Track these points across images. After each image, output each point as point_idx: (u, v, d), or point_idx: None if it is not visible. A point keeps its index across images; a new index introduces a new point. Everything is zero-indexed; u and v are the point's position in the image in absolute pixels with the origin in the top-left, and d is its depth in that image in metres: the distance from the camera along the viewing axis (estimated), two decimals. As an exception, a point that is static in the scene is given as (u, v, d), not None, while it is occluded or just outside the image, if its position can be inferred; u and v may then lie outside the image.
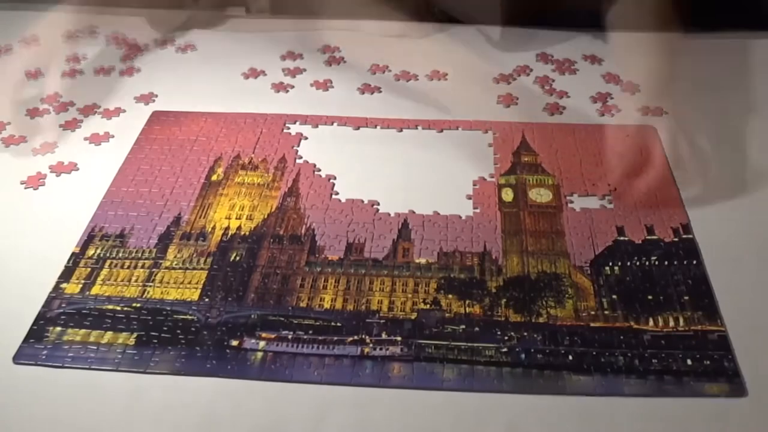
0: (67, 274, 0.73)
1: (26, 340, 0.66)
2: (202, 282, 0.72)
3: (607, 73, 1.01)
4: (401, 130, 0.92)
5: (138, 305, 0.70)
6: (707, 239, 0.75)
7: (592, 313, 0.69)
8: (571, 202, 0.80)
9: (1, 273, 0.73)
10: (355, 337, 0.66)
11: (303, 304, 0.70)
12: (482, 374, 0.63)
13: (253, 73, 1.03)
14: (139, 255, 0.75)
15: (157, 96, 0.98)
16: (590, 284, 0.72)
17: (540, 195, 0.82)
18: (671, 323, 0.67)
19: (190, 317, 0.69)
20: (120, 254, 0.75)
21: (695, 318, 0.68)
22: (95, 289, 0.72)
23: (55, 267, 0.73)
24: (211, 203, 0.82)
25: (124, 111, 0.96)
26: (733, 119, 0.92)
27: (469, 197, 0.81)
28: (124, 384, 0.63)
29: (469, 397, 0.62)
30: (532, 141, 0.89)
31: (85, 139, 0.90)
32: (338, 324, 0.68)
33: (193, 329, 0.67)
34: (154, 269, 0.74)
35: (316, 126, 0.93)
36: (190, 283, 0.72)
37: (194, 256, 0.75)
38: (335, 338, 0.67)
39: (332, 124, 0.93)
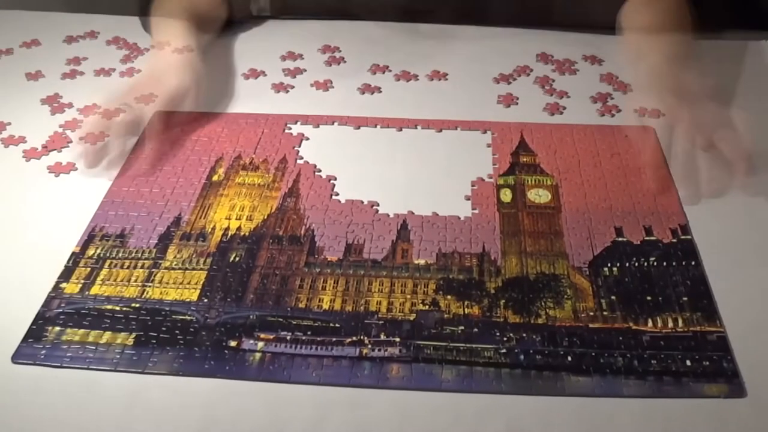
0: (66, 274, 0.73)
1: (25, 339, 0.66)
2: (202, 282, 0.72)
3: (607, 74, 1.01)
4: (401, 130, 0.92)
5: (137, 305, 0.70)
6: (706, 240, 0.75)
7: (591, 313, 0.69)
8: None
9: (0, 272, 0.73)
10: (354, 338, 0.66)
11: (302, 305, 0.70)
12: (481, 375, 0.63)
13: (253, 74, 1.03)
14: (139, 255, 0.75)
15: (157, 96, 0.98)
16: (589, 285, 0.71)
17: (539, 196, 0.82)
18: (670, 324, 0.67)
19: (188, 318, 0.69)
20: (120, 254, 0.75)
21: (694, 319, 0.68)
22: (95, 289, 0.72)
23: (54, 267, 0.74)
24: (211, 203, 0.82)
25: (124, 111, 0.95)
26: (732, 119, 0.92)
27: (467, 198, 0.81)
28: (123, 384, 0.63)
29: (467, 398, 0.62)
30: (530, 141, 0.89)
31: (85, 139, 0.90)
32: (337, 325, 0.68)
33: (191, 330, 0.67)
34: (153, 269, 0.74)
35: (317, 126, 0.93)
36: (189, 283, 0.73)
37: (194, 256, 0.76)
38: (334, 339, 0.67)
39: (332, 123, 0.93)
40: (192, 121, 0.93)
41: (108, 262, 0.75)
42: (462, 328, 0.67)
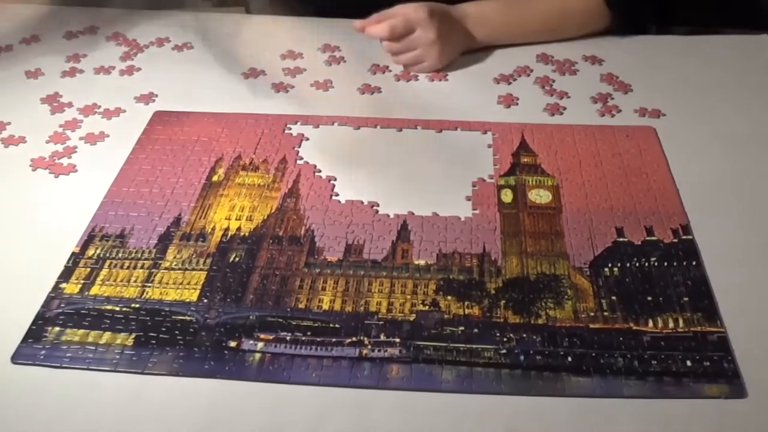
0: (66, 274, 0.73)
1: (25, 339, 0.66)
2: (201, 283, 0.72)
3: (607, 74, 1.01)
4: (401, 130, 0.92)
5: (137, 306, 0.70)
6: (707, 240, 0.75)
7: (592, 314, 0.69)
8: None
9: (0, 273, 0.73)
10: (354, 339, 0.66)
11: (302, 306, 0.70)
12: (481, 376, 0.63)
13: (253, 73, 1.03)
14: (139, 255, 0.75)
15: (157, 96, 0.98)
16: (589, 285, 0.71)
17: (539, 196, 0.81)
18: (671, 324, 0.67)
19: (188, 318, 0.69)
20: (120, 254, 0.75)
21: (695, 319, 0.67)
22: (94, 290, 0.72)
23: (54, 267, 0.73)
24: (211, 204, 0.82)
25: (124, 111, 0.96)
26: (732, 119, 0.92)
27: (468, 198, 0.81)
28: (122, 384, 0.63)
29: (468, 399, 0.62)
30: (531, 142, 0.89)
31: (85, 139, 0.90)
32: (337, 325, 0.68)
33: (191, 330, 0.67)
34: (153, 270, 0.74)
35: (317, 126, 0.93)
36: (189, 283, 0.72)
37: (194, 256, 0.75)
38: (334, 340, 0.66)
39: (332, 124, 0.93)
40: (192, 121, 0.93)
41: (108, 262, 0.74)
42: (462, 328, 0.67)
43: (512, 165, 0.86)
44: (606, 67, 1.03)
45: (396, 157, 0.88)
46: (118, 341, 0.66)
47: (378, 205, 0.80)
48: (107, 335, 0.67)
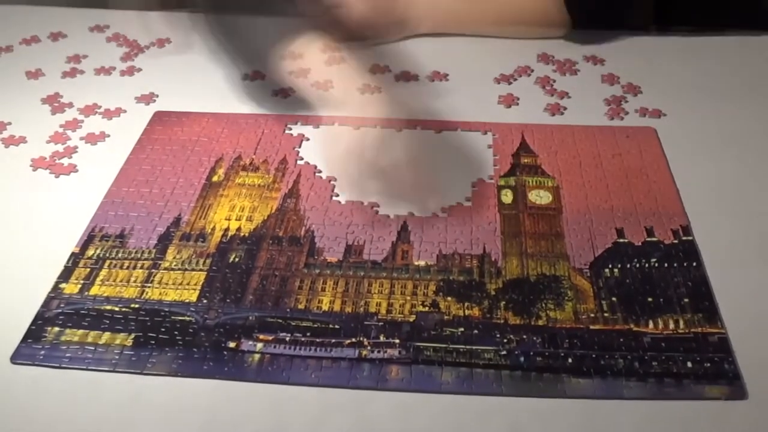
0: (66, 274, 0.73)
1: (24, 340, 0.66)
2: (201, 283, 0.72)
3: (608, 74, 1.01)
4: (401, 130, 0.91)
5: (136, 306, 0.70)
6: (707, 241, 0.75)
7: (592, 315, 0.69)
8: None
9: (0, 272, 0.73)
10: (353, 340, 0.66)
11: (301, 306, 0.70)
12: (481, 377, 0.63)
13: (254, 74, 1.03)
14: (139, 255, 0.75)
15: (157, 96, 0.98)
16: (590, 286, 0.71)
17: (539, 197, 0.81)
18: (671, 325, 0.67)
19: (188, 318, 0.69)
20: (119, 255, 0.75)
21: (695, 320, 0.67)
22: (94, 290, 0.71)
23: (54, 267, 0.73)
24: (211, 204, 0.82)
25: (125, 111, 0.96)
26: (732, 120, 0.92)
27: (468, 199, 0.81)
28: (122, 385, 0.63)
29: (467, 400, 0.61)
30: (531, 142, 0.89)
31: (85, 139, 0.90)
32: (336, 326, 0.68)
33: (190, 330, 0.67)
34: (153, 270, 0.74)
35: (317, 126, 0.92)
36: (188, 284, 0.72)
37: (193, 257, 0.75)
38: (333, 340, 0.66)
39: (333, 124, 0.93)
40: (192, 121, 0.93)
41: (107, 262, 0.74)
42: (462, 329, 0.67)
43: (512, 165, 0.86)
44: (607, 67, 1.02)
45: (396, 158, 0.87)
46: (118, 341, 0.66)
47: (378, 206, 0.80)
48: (106, 335, 0.67)
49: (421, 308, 0.69)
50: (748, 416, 0.60)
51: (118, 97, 0.98)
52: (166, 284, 0.72)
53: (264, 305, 0.70)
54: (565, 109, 0.95)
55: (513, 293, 0.71)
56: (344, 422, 0.60)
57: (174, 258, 0.75)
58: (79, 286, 0.72)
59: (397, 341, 0.66)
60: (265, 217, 0.80)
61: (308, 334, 0.67)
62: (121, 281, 0.72)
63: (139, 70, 1.04)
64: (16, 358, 0.65)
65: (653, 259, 0.73)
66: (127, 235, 0.77)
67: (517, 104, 0.96)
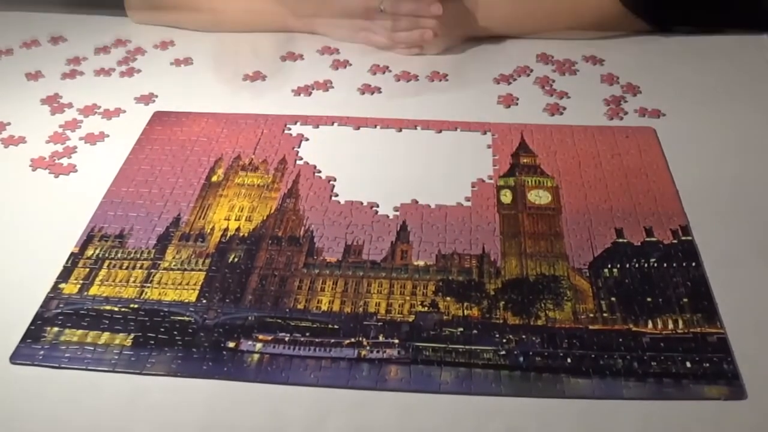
0: (65, 275, 0.73)
1: (23, 340, 0.66)
2: (200, 283, 0.72)
3: (607, 74, 1.01)
4: (401, 131, 0.92)
5: (136, 306, 0.70)
6: (707, 241, 0.75)
7: (591, 315, 0.69)
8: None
9: (-1, 273, 0.73)
10: (353, 340, 0.66)
11: (300, 306, 0.70)
12: (480, 377, 0.63)
13: (253, 74, 1.03)
14: (138, 255, 0.75)
15: (157, 96, 0.98)
16: (589, 286, 0.71)
17: (539, 197, 0.81)
18: (670, 325, 0.67)
19: (187, 318, 0.69)
20: (119, 255, 0.75)
21: (694, 320, 0.67)
22: (93, 290, 0.71)
23: (53, 267, 0.73)
24: (210, 204, 0.82)
25: (124, 111, 0.96)
26: (731, 120, 0.92)
27: (467, 199, 0.81)
28: (121, 385, 0.63)
29: (467, 400, 0.61)
30: (531, 142, 0.89)
31: (85, 139, 0.90)
32: (335, 326, 0.68)
33: (190, 330, 0.67)
34: (152, 270, 0.74)
35: (317, 126, 0.92)
36: (188, 284, 0.72)
37: (193, 257, 0.75)
38: (332, 340, 0.66)
39: (332, 124, 0.93)
40: (191, 121, 0.93)
41: (107, 262, 0.74)
42: (461, 329, 0.67)
43: (512, 165, 0.86)
44: (606, 67, 1.02)
45: (396, 158, 0.88)
46: (117, 341, 0.66)
47: (377, 206, 0.80)
48: (106, 335, 0.67)
49: (420, 308, 0.69)
50: (748, 416, 0.60)
51: (118, 98, 0.98)
52: (166, 284, 0.72)
53: (263, 305, 0.70)
54: (564, 109, 0.95)
55: (512, 293, 0.71)
56: (343, 422, 0.60)
57: (173, 258, 0.75)
58: (79, 286, 0.72)
59: (396, 341, 0.66)
60: (265, 217, 0.80)
61: (307, 334, 0.67)
62: (120, 281, 0.72)
63: (139, 71, 1.04)
64: (16, 358, 0.65)
65: (652, 259, 0.73)
66: (127, 235, 0.77)
67: (517, 104, 0.96)
